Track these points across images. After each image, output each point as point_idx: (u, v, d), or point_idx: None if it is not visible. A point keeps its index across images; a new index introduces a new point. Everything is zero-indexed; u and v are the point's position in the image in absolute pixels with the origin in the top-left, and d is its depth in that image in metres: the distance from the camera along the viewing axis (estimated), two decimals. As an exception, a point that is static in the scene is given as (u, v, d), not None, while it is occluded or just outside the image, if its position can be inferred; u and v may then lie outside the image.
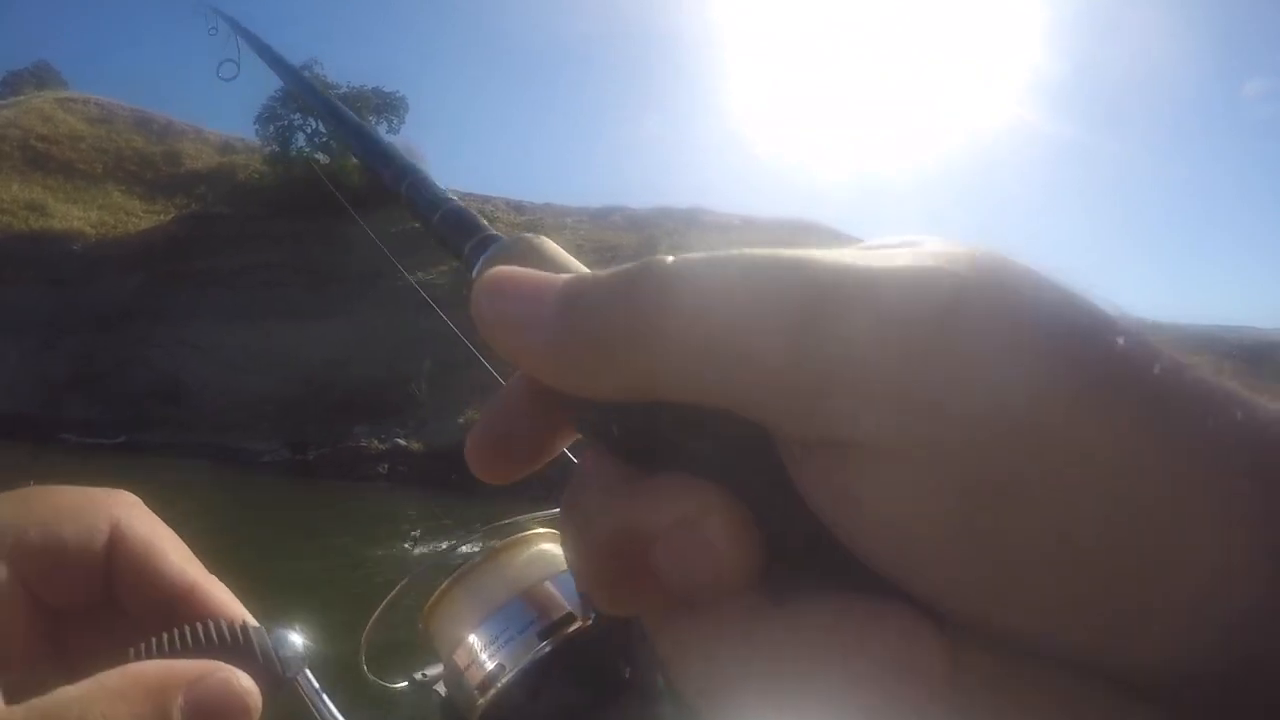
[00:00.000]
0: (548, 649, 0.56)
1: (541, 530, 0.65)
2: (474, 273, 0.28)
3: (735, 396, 0.19)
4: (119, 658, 0.28)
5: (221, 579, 0.34)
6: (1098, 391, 0.17)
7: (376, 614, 0.68)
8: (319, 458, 17.89)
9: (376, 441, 17.16)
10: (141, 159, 31.48)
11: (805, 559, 0.19)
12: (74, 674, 0.26)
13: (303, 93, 0.71)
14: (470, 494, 14.83)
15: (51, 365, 23.16)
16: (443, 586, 0.64)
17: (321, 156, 25.86)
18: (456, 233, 0.32)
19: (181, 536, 0.33)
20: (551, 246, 0.28)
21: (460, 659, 0.59)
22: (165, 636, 0.29)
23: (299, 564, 9.87)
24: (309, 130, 26.00)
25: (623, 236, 23.00)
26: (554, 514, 0.60)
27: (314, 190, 24.61)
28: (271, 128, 26.30)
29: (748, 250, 0.19)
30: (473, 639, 0.58)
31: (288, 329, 22.25)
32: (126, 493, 0.35)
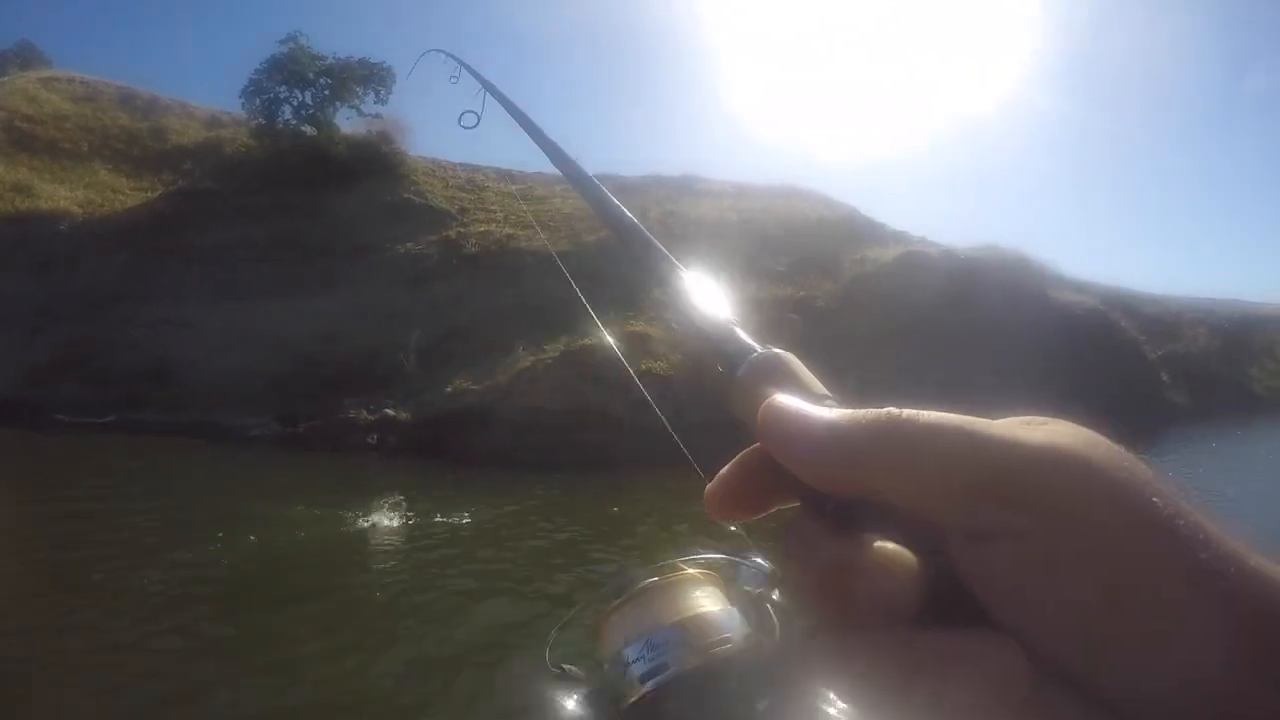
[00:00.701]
0: (698, 663, 0.71)
1: (696, 572, 0.80)
2: (737, 372, 0.38)
3: (919, 507, 0.30)
4: None
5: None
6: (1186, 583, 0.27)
7: (565, 620, 0.90)
8: (309, 430, 17.69)
9: (365, 412, 16.93)
10: (128, 136, 31.02)
11: (952, 605, 0.29)
12: None
13: (549, 154, 0.75)
14: (457, 462, 14.68)
15: (40, 348, 22.91)
16: (617, 602, 0.80)
17: (308, 128, 25.47)
18: (717, 335, 0.41)
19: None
20: (794, 363, 0.37)
21: (626, 656, 0.74)
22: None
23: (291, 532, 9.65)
24: (295, 102, 25.57)
25: (614, 203, 22.57)
26: (710, 558, 0.78)
27: (302, 163, 24.27)
28: (257, 101, 25.86)
29: (955, 420, 0.31)
30: (638, 643, 0.74)
31: (276, 304, 21.98)
32: None
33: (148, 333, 23.15)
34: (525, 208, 20.26)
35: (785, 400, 0.34)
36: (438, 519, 10.66)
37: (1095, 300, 22.22)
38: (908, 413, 0.32)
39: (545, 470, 13.50)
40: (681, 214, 20.80)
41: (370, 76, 25.26)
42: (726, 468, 0.37)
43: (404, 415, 16.51)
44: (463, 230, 21.40)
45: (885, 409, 0.32)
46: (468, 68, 1.07)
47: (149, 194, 27.40)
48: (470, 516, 10.72)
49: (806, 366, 0.37)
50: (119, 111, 32.34)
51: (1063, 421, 0.33)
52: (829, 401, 0.35)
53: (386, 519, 10.52)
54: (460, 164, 26.13)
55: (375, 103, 25.54)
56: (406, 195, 22.98)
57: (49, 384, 21.85)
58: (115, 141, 30.77)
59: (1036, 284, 20.28)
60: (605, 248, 21.43)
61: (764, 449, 0.34)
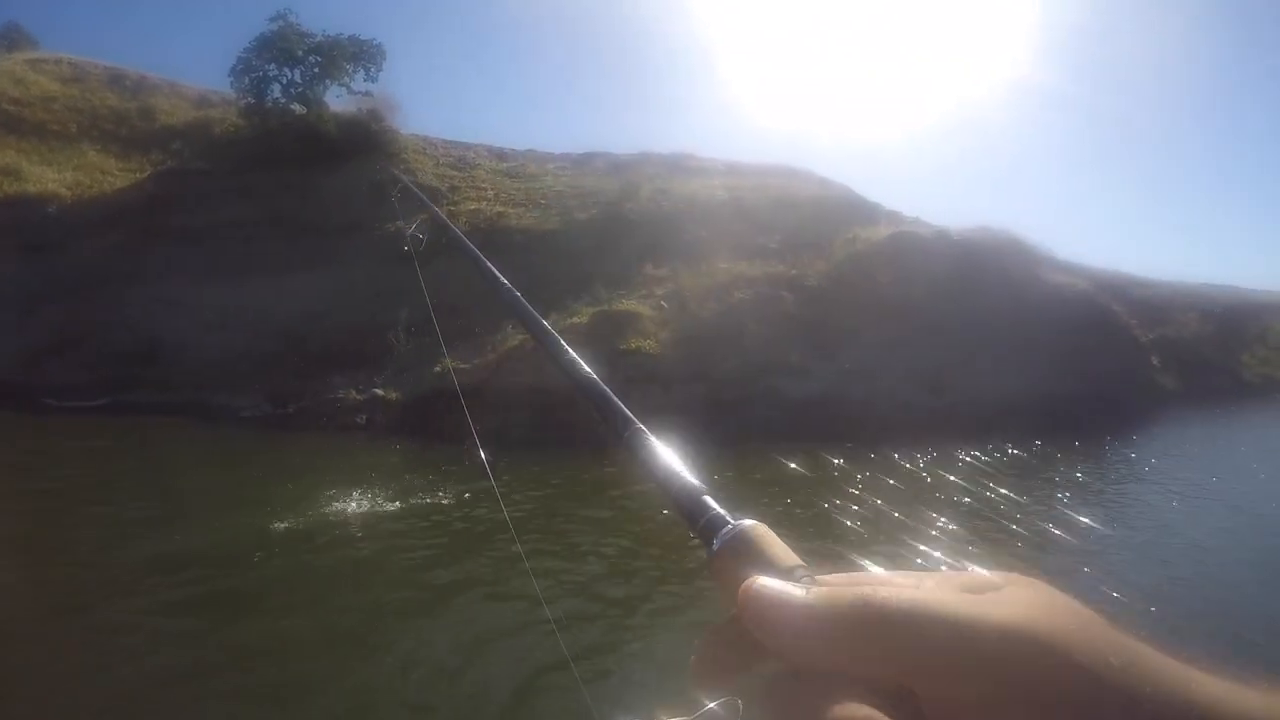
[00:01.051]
0: None
1: None
2: (712, 547, 0.40)
3: (895, 681, 0.33)
4: None
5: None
6: None
7: None
8: (298, 410, 17.65)
9: (354, 392, 16.88)
10: (116, 117, 30.68)
11: None
12: None
13: (486, 279, 0.83)
14: (446, 442, 14.63)
15: (30, 331, 22.77)
16: None
17: (297, 107, 25.24)
18: (691, 507, 0.43)
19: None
20: (767, 534, 0.39)
21: None
22: None
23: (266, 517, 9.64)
24: (284, 81, 25.33)
25: (604, 181, 22.48)
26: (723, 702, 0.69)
27: (291, 142, 24.06)
28: (246, 79, 25.61)
29: (927, 603, 0.34)
30: None
31: (266, 283, 21.88)
32: None
33: (138, 314, 23.05)
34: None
35: (765, 585, 0.36)
36: (423, 499, 10.65)
37: (1087, 283, 22.16)
38: (881, 595, 0.34)
39: (535, 449, 13.47)
40: (673, 191, 20.66)
41: (360, 54, 25.01)
42: (703, 641, 0.39)
43: (393, 395, 16.46)
44: (453, 209, 21.25)
45: (859, 590, 0.35)
46: (403, 179, 1.23)
47: (138, 175, 27.16)
48: (452, 498, 10.70)
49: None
50: (107, 92, 31.98)
51: (1024, 585, 0.36)
52: (802, 574, 0.37)
53: (371, 501, 10.50)
54: (451, 141, 25.94)
55: (365, 80, 25.34)
56: (396, 173, 22.77)
57: (40, 367, 21.74)
58: (104, 122, 30.44)
59: (1028, 266, 20.21)
60: (596, 225, 21.41)
61: (741, 622, 0.37)
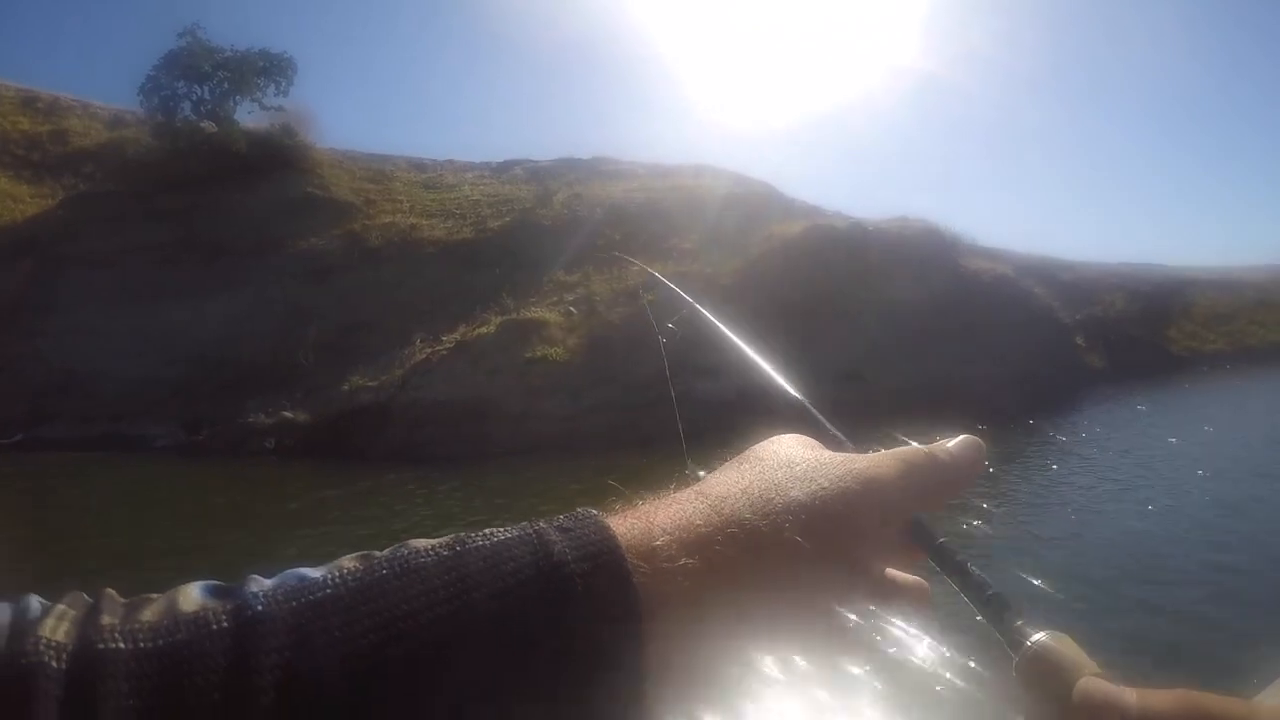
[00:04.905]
0: None
1: None
2: (1022, 652, 0.41)
3: None
4: None
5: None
6: None
7: None
8: (210, 436, 17.25)
9: (264, 416, 16.47)
10: (28, 141, 29.71)
11: None
12: None
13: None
14: (356, 462, 14.31)
15: (-59, 367, 21.92)
16: None
17: (208, 124, 24.61)
18: (1000, 613, 0.45)
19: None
20: (1071, 644, 0.41)
21: None
22: None
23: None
24: (194, 98, 24.68)
25: (522, 189, 22.24)
26: None
27: (202, 161, 23.45)
28: (155, 98, 24.91)
29: (1262, 710, 0.33)
30: None
31: (180, 307, 21.39)
32: None
33: (52, 344, 22.38)
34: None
35: (1098, 685, 0.37)
36: (330, 525, 10.34)
37: (1007, 267, 22.43)
38: (1212, 702, 0.34)
39: (442, 465, 13.20)
40: (588, 196, 20.49)
41: (270, 68, 24.44)
42: None
43: (302, 416, 16.11)
44: (367, 223, 20.86)
45: (1189, 695, 0.34)
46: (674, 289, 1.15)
47: (49, 200, 26.33)
48: (359, 521, 10.41)
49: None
50: (19, 115, 30.94)
51: None
52: (1106, 674, 0.39)
53: (274, 528, 10.18)
54: (370, 154, 25.47)
55: (277, 94, 24.77)
56: (310, 189, 22.32)
57: (-48, 404, 20.94)
58: (15, 147, 29.46)
59: (946, 253, 20.38)
60: (509, 233, 21.16)
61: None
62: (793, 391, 0.71)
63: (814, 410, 0.66)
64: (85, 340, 22.09)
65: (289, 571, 0.40)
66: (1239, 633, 5.74)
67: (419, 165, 24.12)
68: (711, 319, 1.01)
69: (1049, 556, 8.01)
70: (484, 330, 15.24)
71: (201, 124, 24.37)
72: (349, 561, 0.40)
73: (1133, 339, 26.40)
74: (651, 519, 0.44)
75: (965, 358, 18.05)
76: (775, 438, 0.55)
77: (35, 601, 0.36)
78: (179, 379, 19.94)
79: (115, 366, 21.07)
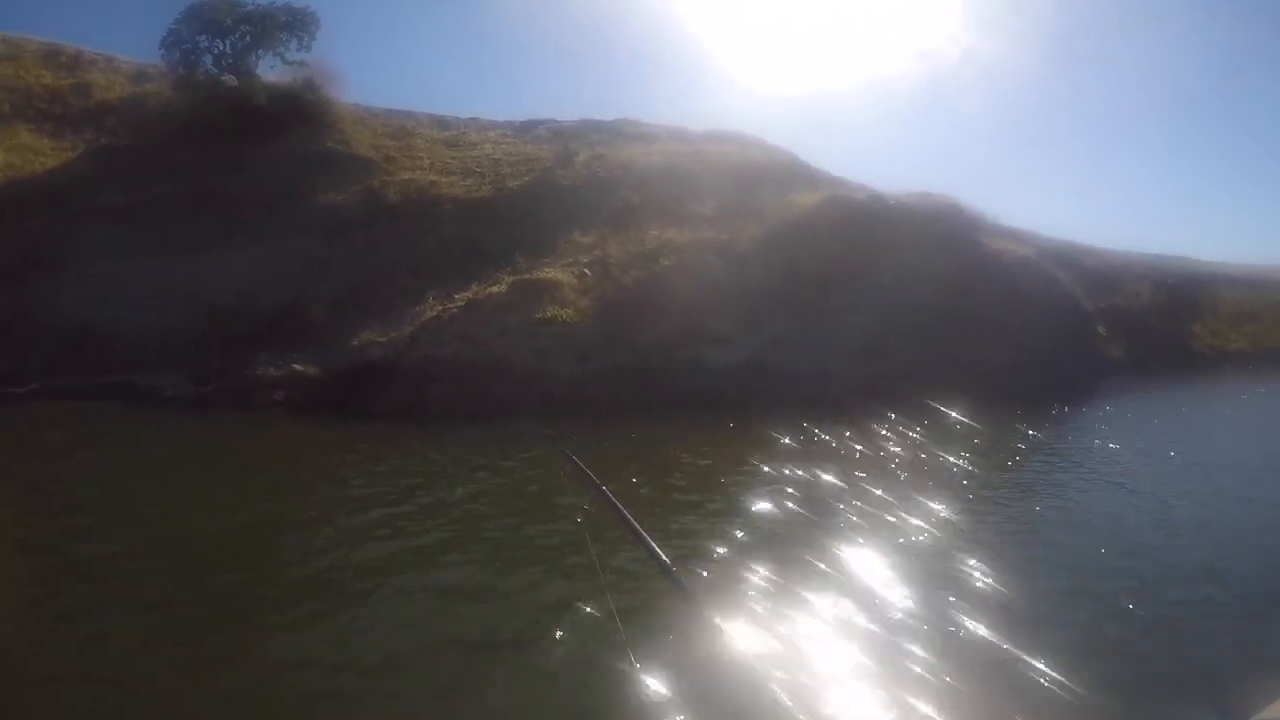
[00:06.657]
0: None
1: None
2: None
3: None
4: None
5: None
6: None
7: None
8: (217, 389, 17.22)
9: (273, 369, 16.42)
10: (51, 94, 29.77)
11: None
12: None
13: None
14: (361, 418, 14.21)
15: (-42, 317, 22.06)
16: None
17: (229, 78, 24.51)
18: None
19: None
20: None
21: None
22: None
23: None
24: (215, 52, 24.57)
25: (543, 149, 21.97)
26: None
27: (223, 115, 23.35)
28: (177, 52, 24.82)
29: None
30: None
31: (197, 261, 21.39)
32: None
33: (69, 295, 22.49)
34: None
35: None
36: (329, 485, 10.24)
37: (1030, 250, 21.95)
38: None
39: (447, 424, 13.03)
40: (610, 158, 20.19)
41: (293, 22, 24.25)
42: None
43: (311, 370, 16.02)
44: (386, 179, 20.69)
45: None
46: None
47: (70, 154, 26.38)
48: (358, 482, 10.28)
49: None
50: (42, 69, 31.00)
51: None
52: None
53: (280, 485, 10.10)
54: (393, 110, 25.24)
55: (299, 49, 24.59)
56: (330, 145, 22.18)
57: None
58: (38, 101, 29.52)
59: (968, 231, 19.95)
60: (528, 192, 20.91)
61: None
62: (666, 559, 1.04)
63: (676, 575, 1.01)
64: (102, 293, 22.15)
65: None
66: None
67: (442, 123, 23.89)
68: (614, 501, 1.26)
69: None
70: (495, 289, 15.07)
71: (222, 78, 24.28)
72: None
73: (1155, 332, 25.85)
74: None
75: (983, 338, 17.68)
76: None
77: None
78: (191, 331, 19.96)
79: (129, 318, 21.13)
